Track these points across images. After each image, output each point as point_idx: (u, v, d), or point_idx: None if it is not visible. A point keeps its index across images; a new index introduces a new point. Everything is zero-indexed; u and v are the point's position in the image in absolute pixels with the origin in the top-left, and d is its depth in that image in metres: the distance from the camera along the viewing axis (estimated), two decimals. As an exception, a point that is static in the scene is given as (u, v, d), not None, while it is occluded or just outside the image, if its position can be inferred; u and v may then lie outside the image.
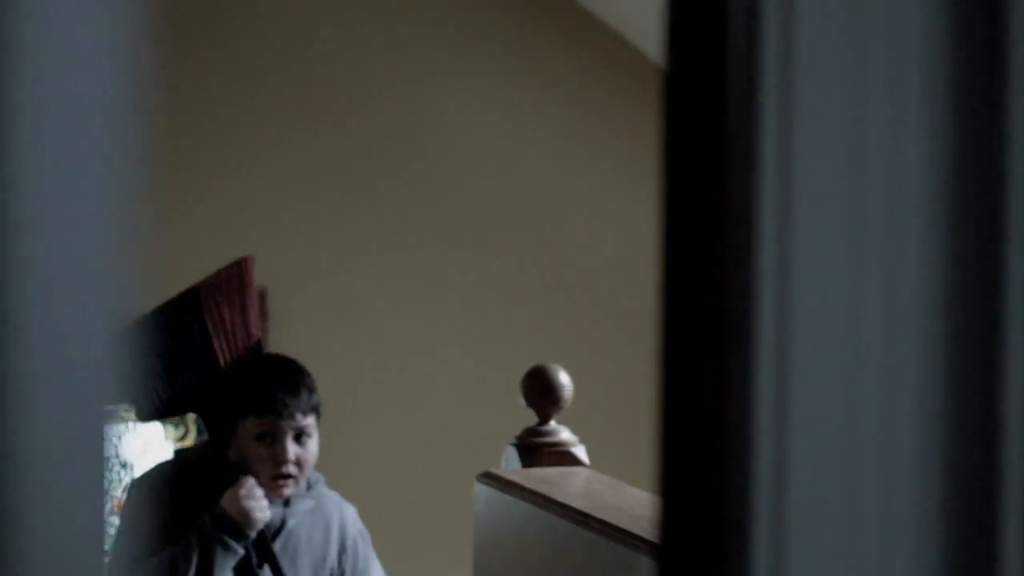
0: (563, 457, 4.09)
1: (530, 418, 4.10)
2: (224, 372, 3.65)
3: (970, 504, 1.23)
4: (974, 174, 1.21)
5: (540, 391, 4.06)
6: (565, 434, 4.11)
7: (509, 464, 4.11)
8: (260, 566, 3.66)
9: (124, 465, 5.59)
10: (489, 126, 6.20)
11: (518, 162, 6.32)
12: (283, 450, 3.60)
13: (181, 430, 5.84)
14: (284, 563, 3.70)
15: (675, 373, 1.26)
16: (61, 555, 0.95)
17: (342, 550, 3.81)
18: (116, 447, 5.58)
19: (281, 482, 3.63)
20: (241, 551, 3.57)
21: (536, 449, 4.07)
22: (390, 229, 6.25)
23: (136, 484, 3.76)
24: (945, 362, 1.22)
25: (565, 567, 3.87)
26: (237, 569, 3.63)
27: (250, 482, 3.57)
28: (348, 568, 3.82)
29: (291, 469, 3.62)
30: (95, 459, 0.93)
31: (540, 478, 3.96)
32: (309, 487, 3.76)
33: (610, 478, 4.04)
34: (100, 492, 0.92)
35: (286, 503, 3.71)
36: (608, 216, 6.43)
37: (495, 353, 6.34)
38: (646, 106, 6.28)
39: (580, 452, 4.10)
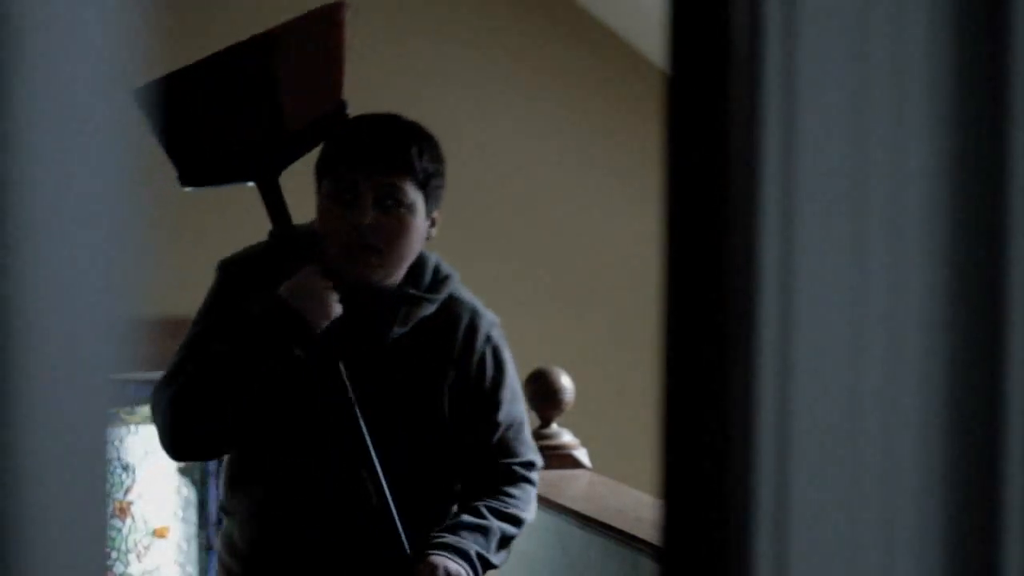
0: (565, 460, 4.09)
1: (532, 421, 4.11)
2: (293, 136, 2.84)
3: (973, 508, 1.23)
4: (977, 176, 1.21)
5: (542, 394, 4.06)
6: (567, 437, 4.12)
7: (511, 467, 4.10)
8: (324, 376, 2.83)
9: (125, 468, 5.59)
10: (492, 130, 6.20)
11: (520, 166, 6.32)
12: (360, 211, 2.79)
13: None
14: (381, 377, 2.88)
15: (678, 376, 1.26)
16: (64, 558, 0.95)
17: (462, 366, 2.94)
18: (117, 449, 5.58)
19: (357, 253, 2.81)
20: (299, 354, 2.76)
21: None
22: (392, 232, 6.24)
23: (219, 266, 2.94)
24: (948, 364, 1.22)
25: (567, 569, 3.87)
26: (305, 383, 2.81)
27: (313, 270, 2.79)
28: (472, 389, 2.95)
29: (369, 237, 2.80)
30: (98, 463, 0.93)
31: (542, 480, 3.95)
32: (437, 285, 2.96)
33: (611, 480, 4.05)
34: (103, 495, 0.92)
35: (398, 304, 2.88)
36: (611, 219, 6.42)
37: (497, 356, 6.33)
38: (649, 110, 6.28)
39: (582, 455, 4.11)
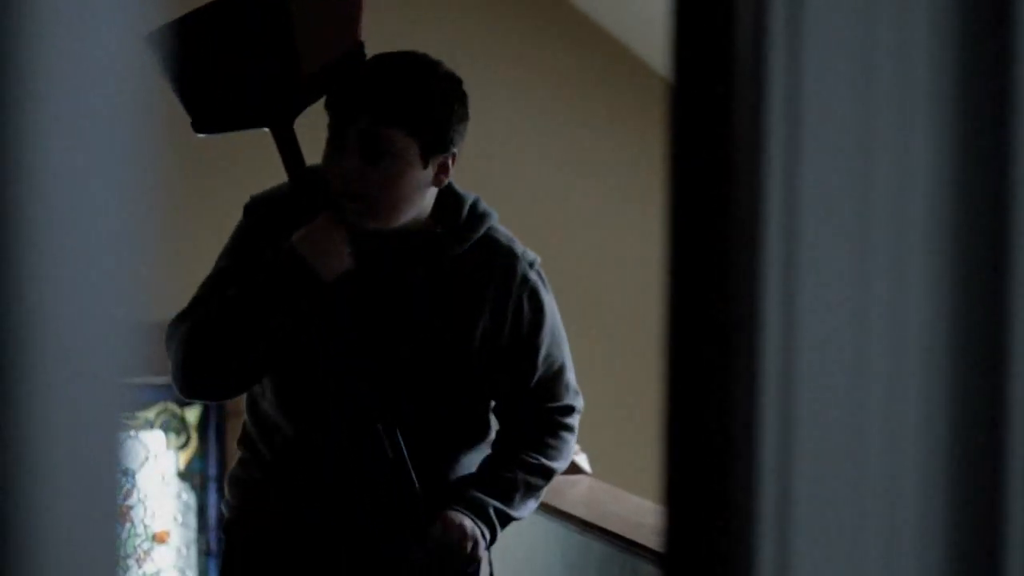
0: (565, 465, 4.08)
1: (532, 426, 4.09)
2: (308, 79, 2.73)
3: (975, 513, 1.23)
4: (981, 185, 1.21)
5: (542, 399, 4.04)
6: (567, 442, 4.11)
7: (511, 472, 4.10)
8: (338, 327, 2.76)
9: (125, 472, 5.58)
10: (491, 134, 6.20)
11: (520, 171, 6.32)
12: (346, 161, 2.70)
13: (183, 437, 5.83)
14: (409, 320, 2.79)
15: (680, 381, 1.26)
16: (74, 564, 0.95)
17: (497, 310, 2.84)
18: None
19: (346, 202, 2.71)
20: (309, 302, 2.69)
21: (538, 457, 4.07)
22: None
23: (246, 206, 2.88)
24: (950, 369, 1.22)
25: (566, 574, 3.87)
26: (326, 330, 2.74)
27: (328, 217, 2.72)
28: (506, 334, 2.84)
29: (356, 187, 2.69)
30: (109, 469, 0.93)
31: (542, 486, 3.95)
32: (472, 223, 2.86)
33: (612, 486, 4.04)
34: (113, 501, 0.92)
35: (425, 243, 2.79)
36: (611, 226, 6.42)
37: (496, 361, 6.33)
38: (651, 116, 6.28)
39: (582, 461, 4.10)
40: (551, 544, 3.90)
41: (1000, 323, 1.21)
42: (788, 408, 1.21)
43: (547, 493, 3.90)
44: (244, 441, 2.94)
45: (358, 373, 2.77)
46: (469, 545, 2.80)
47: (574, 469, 4.08)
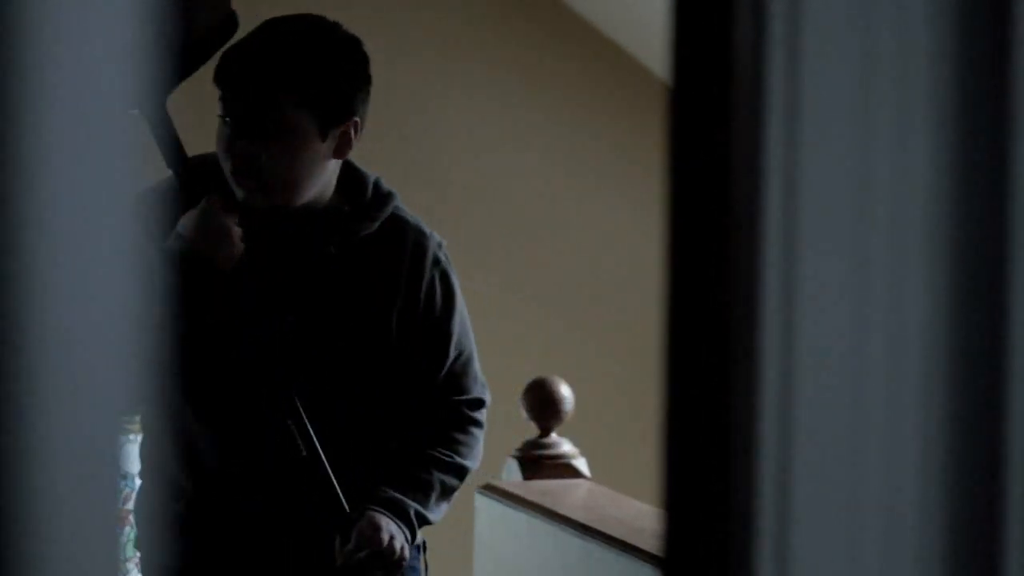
0: (564, 469, 4.09)
1: (531, 430, 4.10)
2: (178, 54, 2.53)
3: (975, 516, 1.23)
4: (979, 187, 1.21)
5: (541, 403, 4.06)
6: (566, 446, 4.11)
7: (510, 476, 4.11)
8: (241, 319, 2.58)
9: (124, 476, 5.58)
10: (492, 139, 6.20)
11: (520, 176, 6.32)
12: (236, 136, 2.54)
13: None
14: (322, 303, 2.64)
15: (680, 385, 1.26)
16: (73, 568, 0.95)
17: (410, 291, 2.69)
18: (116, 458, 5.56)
19: (240, 181, 2.55)
20: (203, 293, 2.53)
21: (537, 461, 4.08)
22: (391, 241, 6.23)
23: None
24: (950, 371, 1.22)
25: (566, 579, 3.87)
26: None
27: (213, 201, 2.55)
28: (420, 316, 2.70)
29: (248, 164, 2.54)
30: (108, 473, 0.93)
31: (541, 490, 3.96)
32: (378, 202, 2.69)
33: (611, 490, 4.04)
34: (113, 505, 0.92)
35: (331, 222, 2.64)
36: (611, 229, 6.42)
37: (496, 365, 6.33)
38: (651, 120, 6.28)
39: (581, 464, 4.10)
40: (550, 548, 3.90)
41: (999, 324, 1.21)
42: (787, 411, 1.21)
43: (546, 498, 3.90)
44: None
45: (267, 364, 2.61)
46: (399, 550, 2.69)
47: (573, 473, 4.08)
